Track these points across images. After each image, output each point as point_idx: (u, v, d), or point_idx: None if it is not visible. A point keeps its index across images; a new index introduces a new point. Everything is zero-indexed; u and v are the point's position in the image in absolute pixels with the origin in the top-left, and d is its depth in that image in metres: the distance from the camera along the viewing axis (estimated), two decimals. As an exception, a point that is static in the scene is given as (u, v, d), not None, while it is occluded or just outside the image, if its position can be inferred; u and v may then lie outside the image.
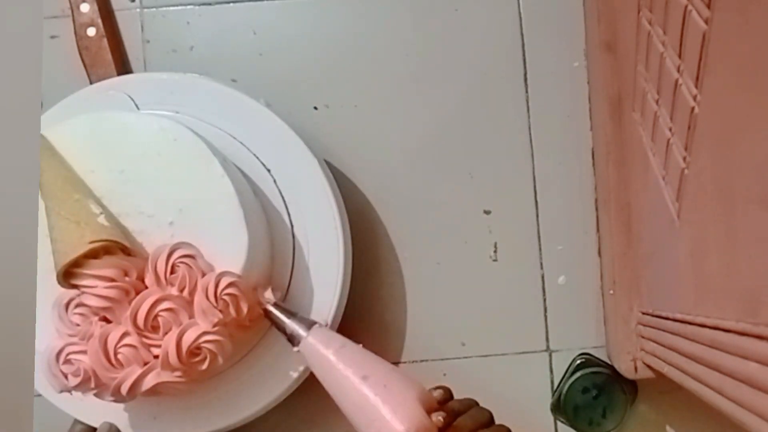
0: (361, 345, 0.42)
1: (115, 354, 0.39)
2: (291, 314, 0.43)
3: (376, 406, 0.38)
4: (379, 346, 0.55)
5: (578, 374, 0.53)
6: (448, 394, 0.42)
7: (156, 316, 0.39)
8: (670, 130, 0.38)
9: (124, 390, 0.39)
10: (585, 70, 0.55)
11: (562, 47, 0.55)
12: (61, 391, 0.40)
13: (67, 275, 0.39)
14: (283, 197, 0.48)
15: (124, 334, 0.39)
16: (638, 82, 0.44)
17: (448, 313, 0.55)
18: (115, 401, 0.41)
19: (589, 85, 0.55)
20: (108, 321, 0.40)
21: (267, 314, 0.43)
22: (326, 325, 0.46)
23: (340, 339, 0.42)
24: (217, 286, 0.40)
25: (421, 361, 0.55)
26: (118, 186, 0.43)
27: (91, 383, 0.39)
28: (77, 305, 0.40)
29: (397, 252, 0.56)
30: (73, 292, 0.40)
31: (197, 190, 0.42)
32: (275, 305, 0.43)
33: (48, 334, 0.40)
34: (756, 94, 0.27)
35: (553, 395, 0.54)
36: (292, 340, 0.42)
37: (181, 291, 0.40)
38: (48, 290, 0.40)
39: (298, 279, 0.47)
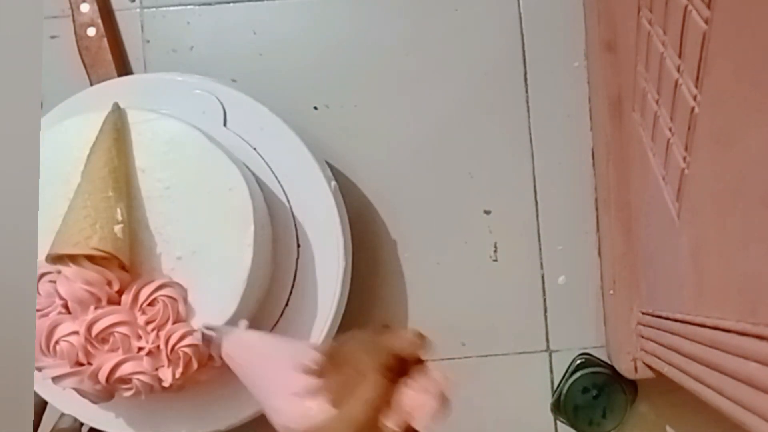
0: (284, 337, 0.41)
1: (55, 343, 0.39)
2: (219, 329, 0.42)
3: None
4: (379, 346, 0.55)
5: (578, 374, 0.53)
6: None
7: (112, 333, 0.40)
8: (670, 130, 0.38)
9: (44, 376, 0.40)
10: (585, 70, 0.55)
11: (562, 47, 0.55)
12: None
13: (56, 258, 0.40)
14: (287, 196, 0.48)
15: (73, 333, 0.40)
16: (638, 82, 0.44)
17: (448, 313, 0.55)
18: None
19: (589, 85, 0.55)
20: (68, 311, 0.40)
21: (202, 336, 0.41)
22: (326, 325, 0.47)
23: (256, 339, 0.39)
24: (180, 339, 0.40)
25: (421, 361, 0.55)
26: (155, 197, 0.42)
27: None
28: (49, 281, 0.40)
29: (397, 252, 0.55)
30: (53, 267, 0.40)
31: (219, 244, 0.42)
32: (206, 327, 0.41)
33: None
34: (756, 94, 0.27)
35: (553, 395, 0.54)
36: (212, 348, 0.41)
37: (147, 324, 0.40)
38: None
39: (300, 279, 0.47)
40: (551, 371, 0.55)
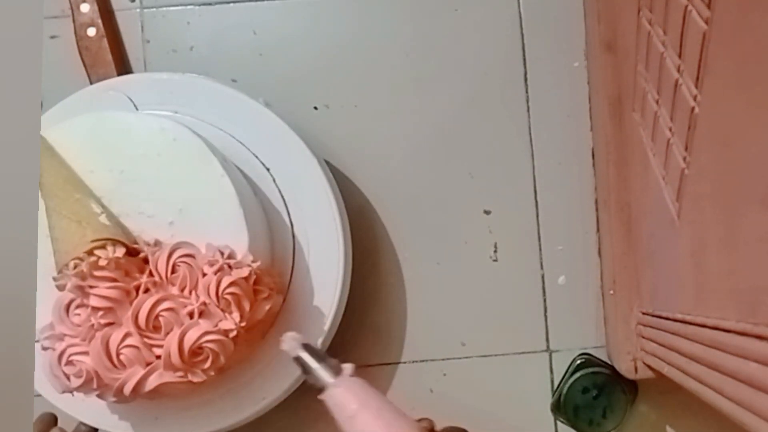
0: (385, 396, 0.40)
1: (117, 355, 0.39)
2: (320, 357, 0.40)
3: None
4: (379, 347, 0.55)
5: (578, 374, 0.53)
6: (431, 425, 0.45)
7: (157, 316, 0.39)
8: (670, 130, 0.38)
9: (127, 391, 0.39)
10: (585, 70, 0.55)
11: (562, 47, 0.55)
12: (63, 392, 0.40)
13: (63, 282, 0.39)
14: (283, 197, 0.48)
15: (126, 335, 0.39)
16: (638, 82, 0.44)
17: (448, 313, 0.55)
18: (117, 402, 0.41)
19: (589, 85, 0.55)
20: (109, 323, 0.40)
21: (296, 360, 0.41)
22: (326, 326, 0.46)
23: (365, 393, 0.40)
24: (218, 285, 0.40)
25: (421, 361, 0.55)
26: (118, 186, 0.43)
27: (93, 384, 0.39)
28: (78, 306, 0.40)
29: (397, 252, 0.55)
30: (73, 293, 0.40)
31: (197, 190, 0.43)
32: (305, 346, 0.41)
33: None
34: (756, 94, 0.27)
35: (553, 395, 0.54)
36: (318, 386, 0.40)
37: (182, 290, 0.40)
38: (47, 290, 0.40)
39: (298, 279, 0.47)
40: (551, 371, 0.55)
